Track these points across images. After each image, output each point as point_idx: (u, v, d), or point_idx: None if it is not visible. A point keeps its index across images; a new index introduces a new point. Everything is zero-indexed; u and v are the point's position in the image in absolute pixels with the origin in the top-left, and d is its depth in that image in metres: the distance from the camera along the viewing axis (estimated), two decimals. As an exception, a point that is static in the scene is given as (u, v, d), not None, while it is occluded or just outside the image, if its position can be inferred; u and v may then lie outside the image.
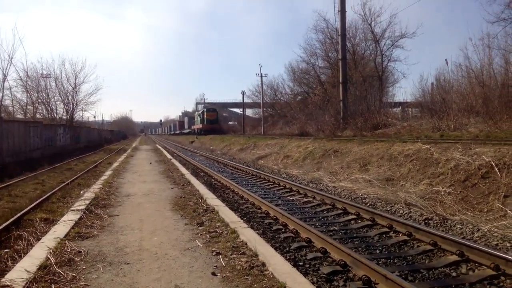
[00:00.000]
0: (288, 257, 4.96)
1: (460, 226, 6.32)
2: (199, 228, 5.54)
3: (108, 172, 12.93)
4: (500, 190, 7.32)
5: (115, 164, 16.41)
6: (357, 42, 38.46)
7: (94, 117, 74.61)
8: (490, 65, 19.85)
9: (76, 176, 13.57)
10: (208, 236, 5.08)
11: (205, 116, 58.81)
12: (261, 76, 52.27)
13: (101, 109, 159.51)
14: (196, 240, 4.91)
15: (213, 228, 5.45)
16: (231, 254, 4.33)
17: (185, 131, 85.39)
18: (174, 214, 6.57)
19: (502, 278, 4.35)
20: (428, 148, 10.70)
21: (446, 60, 33.16)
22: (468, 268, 4.72)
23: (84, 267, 4.04)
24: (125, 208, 7.17)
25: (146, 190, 9.19)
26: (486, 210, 7.20)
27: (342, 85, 28.28)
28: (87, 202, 7.29)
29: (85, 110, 46.23)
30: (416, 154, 10.74)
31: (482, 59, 20.50)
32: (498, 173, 7.70)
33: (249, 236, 4.93)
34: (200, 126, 59.99)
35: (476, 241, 5.64)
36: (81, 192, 9.68)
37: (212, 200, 7.59)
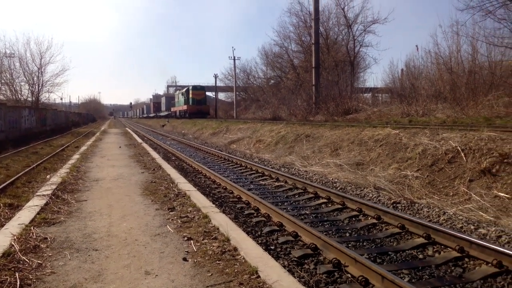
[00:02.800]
0: (260, 241, 4.97)
1: (427, 210, 6.51)
2: (170, 213, 5.47)
3: (76, 156, 12.57)
4: (465, 175, 7.57)
5: (83, 148, 15.97)
6: (330, 26, 38.66)
7: (61, 99, 72.38)
8: (458, 52, 20.35)
9: (42, 160, 13.12)
10: (179, 221, 5.02)
11: (190, 96, 48.07)
12: (234, 59, 51.85)
13: (69, 91, 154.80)
14: (167, 225, 4.84)
15: (185, 213, 5.39)
16: (202, 239, 4.29)
17: (162, 114, 72.32)
18: (144, 199, 6.46)
19: (466, 259, 4.51)
20: (397, 133, 10.91)
21: (416, 46, 33.89)
22: (434, 250, 4.87)
23: (50, 254, 3.92)
24: (93, 193, 6.99)
25: (115, 174, 8.99)
26: (452, 194, 7.44)
27: (315, 70, 28.41)
28: (54, 187, 7.06)
29: (51, 92, 44.60)
30: (385, 139, 10.94)
31: (450, 46, 20.99)
32: (464, 158, 7.95)
33: (221, 220, 4.90)
34: (184, 107, 49.76)
35: (442, 224, 5.81)
36: (48, 176, 9.37)
37: (184, 184, 7.50)
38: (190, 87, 49.20)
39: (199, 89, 49.26)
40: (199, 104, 47.35)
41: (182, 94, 51.84)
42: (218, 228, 4.59)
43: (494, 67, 18.41)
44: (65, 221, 5.09)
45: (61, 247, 4.13)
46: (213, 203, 6.41)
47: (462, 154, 8.10)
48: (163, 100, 77.13)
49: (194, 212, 5.38)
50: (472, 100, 16.09)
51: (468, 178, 7.53)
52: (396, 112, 19.26)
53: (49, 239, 4.33)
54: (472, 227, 5.56)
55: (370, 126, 13.38)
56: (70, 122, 51.81)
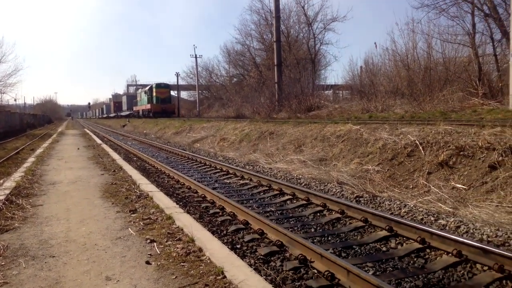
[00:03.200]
0: (225, 241, 4.90)
1: (389, 203, 6.65)
2: (132, 215, 5.29)
3: (31, 159, 11.99)
4: (424, 168, 7.81)
5: (39, 151, 15.27)
6: (291, 24, 39.02)
7: (15, 100, 69.09)
8: (414, 49, 21.06)
9: (-6, 164, 12.44)
10: (141, 223, 4.86)
11: (154, 94, 44.96)
12: (196, 57, 51.39)
13: (23, 92, 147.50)
14: (129, 228, 4.68)
15: (147, 214, 5.23)
16: (166, 241, 4.17)
17: (123, 114, 67.46)
18: (104, 201, 6.23)
19: (428, 250, 4.63)
20: (358, 129, 11.13)
21: (375, 43, 34.74)
22: (397, 242, 4.97)
23: (3, 263, 3.68)
24: (50, 197, 6.67)
25: (73, 177, 8.63)
26: (411, 186, 7.66)
27: (277, 68, 28.59)
28: (7, 192, 6.67)
29: (3, 93, 42.47)
30: (347, 135, 11.13)
31: (407, 43, 21.69)
32: (422, 151, 8.20)
33: (185, 221, 4.79)
34: (148, 106, 46.50)
35: (403, 217, 5.96)
36: (1, 181, 8.87)
37: (146, 185, 7.30)
38: (154, 85, 45.93)
39: (163, 87, 46.19)
40: (163, 102, 44.55)
41: (145, 93, 48.53)
42: (182, 229, 4.48)
43: (448, 63, 19.19)
44: (20, 227, 4.81)
45: (15, 255, 3.90)
46: (177, 204, 6.27)
47: (421, 148, 8.36)
48: (124, 99, 72.86)
49: (157, 214, 5.23)
50: (429, 96, 16.70)
51: (427, 170, 7.78)
52: (357, 108, 19.69)
53: (1, 247, 4.07)
54: (432, 218, 5.73)
55: (332, 122, 13.58)
56: (25, 124, 49.49)
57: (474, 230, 5.14)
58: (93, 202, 6.24)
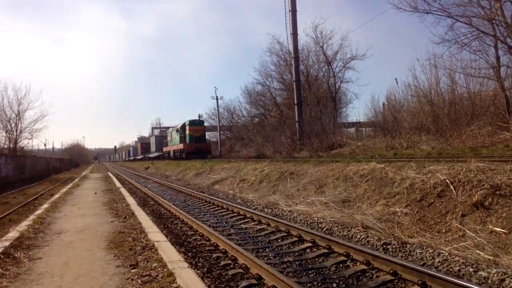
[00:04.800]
0: (233, 300, 4.32)
1: (420, 251, 5.95)
2: (132, 271, 4.80)
3: (45, 205, 11.77)
4: (457, 209, 7.08)
5: (56, 196, 15.14)
6: (311, 64, 39.11)
7: (45, 145, 71.16)
8: (437, 84, 20.52)
9: (10, 211, 12.29)
10: (139, 281, 4.35)
11: (187, 132, 40.08)
12: (217, 98, 51.95)
13: (51, 136, 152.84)
14: (124, 288, 4.18)
15: (148, 270, 4.73)
16: (162, 305, 3.65)
17: (151, 155, 63.19)
18: (107, 254, 5.77)
19: (469, 312, 3.93)
20: (382, 167, 10.49)
21: (396, 79, 34.34)
22: (431, 301, 4.29)
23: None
24: (52, 248, 6.28)
25: (82, 225, 8.26)
26: (444, 230, 6.92)
27: (297, 107, 28.41)
28: (7, 244, 6.31)
29: (30, 138, 43.76)
30: (371, 174, 10.49)
31: (429, 78, 21.18)
32: (454, 191, 7.49)
33: (187, 279, 4.26)
34: (180, 146, 41.72)
35: (437, 267, 5.26)
36: (8, 230, 8.58)
37: (154, 234, 6.83)
38: (187, 122, 41.04)
39: (198, 124, 41.40)
40: (198, 141, 39.65)
41: (177, 131, 43.90)
42: (182, 289, 3.95)
43: (474, 97, 18.47)
44: (7, 287, 4.38)
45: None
46: (185, 255, 5.79)
47: (452, 187, 7.65)
48: (152, 139, 69.14)
49: (159, 269, 4.72)
50: (456, 131, 15.94)
51: (460, 212, 7.04)
52: (381, 145, 19.01)
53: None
54: (471, 269, 5.01)
55: (354, 160, 12.97)
56: (51, 169, 50.52)
57: (522, 284, 4.41)
58: (95, 254, 5.79)
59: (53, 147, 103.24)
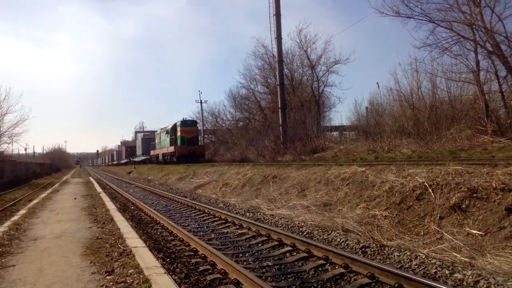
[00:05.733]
0: (210, 306, 4.27)
1: (398, 254, 5.99)
2: (107, 277, 4.70)
3: (22, 211, 11.49)
4: (435, 212, 7.17)
5: (35, 201, 14.80)
6: (295, 68, 39.30)
7: (25, 149, 69.68)
8: (418, 88, 20.78)
9: (-15, 218, 11.94)
10: (114, 288, 4.27)
11: (178, 134, 37.01)
12: (201, 102, 51.79)
13: (32, 141, 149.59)
14: (98, 295, 4.09)
15: (124, 276, 4.64)
16: (136, 312, 3.58)
17: (137, 159, 59.39)
18: (82, 260, 5.65)
19: (444, 314, 3.96)
20: (363, 171, 10.56)
21: (377, 83, 34.79)
22: (407, 304, 4.31)
23: None
24: (26, 255, 6.12)
25: (59, 231, 8.08)
26: (422, 233, 7.00)
27: (281, 110, 28.49)
28: (-21, 252, 6.14)
29: (9, 143, 42.76)
30: (352, 177, 10.56)
31: (411, 83, 21.44)
32: (432, 194, 7.58)
33: (163, 285, 4.19)
34: (171, 149, 38.37)
35: (414, 270, 5.30)
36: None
37: (133, 240, 6.72)
38: (178, 122, 37.90)
39: (190, 125, 37.97)
40: (190, 143, 36.29)
41: (167, 133, 40.25)
42: (157, 296, 3.89)
43: (454, 101, 18.79)
44: (-24, 297, 4.25)
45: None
46: (163, 261, 5.70)
47: (430, 190, 7.75)
48: (139, 142, 64.26)
49: (135, 275, 4.63)
50: (436, 134, 16.19)
51: (438, 215, 7.13)
52: (362, 149, 19.18)
53: None
54: (447, 271, 5.07)
55: (336, 164, 13.05)
56: (31, 173, 49.47)
57: (496, 286, 4.50)
58: (71, 261, 5.66)
59: (34, 152, 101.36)
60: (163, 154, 42.30)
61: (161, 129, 45.10)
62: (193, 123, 39.43)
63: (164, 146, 42.13)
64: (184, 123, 37.74)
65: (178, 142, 36.79)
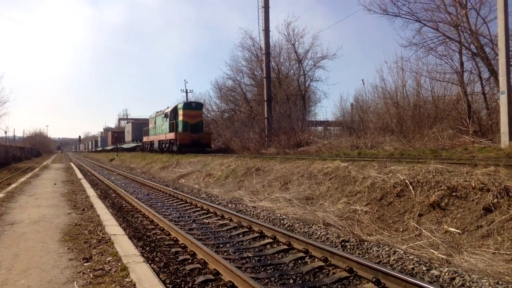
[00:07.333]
0: (189, 296, 4.26)
1: (377, 249, 6.06)
2: (85, 264, 4.65)
3: (0, 195, 11.26)
4: (414, 209, 7.28)
5: (14, 185, 14.52)
6: (282, 61, 39.21)
7: (5, 132, 68.14)
8: (403, 87, 21.01)
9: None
10: (91, 275, 4.21)
11: (180, 119, 30.26)
12: (186, 92, 51.07)
13: (13, 124, 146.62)
14: (74, 282, 4.03)
15: (101, 264, 4.59)
16: (113, 300, 3.54)
17: (125, 146, 53.90)
18: (60, 246, 5.57)
19: (419, 309, 4.03)
20: (346, 166, 10.65)
21: (362, 80, 35.05)
22: (384, 298, 4.37)
23: None
24: (2, 240, 6.00)
25: (37, 216, 7.95)
26: (402, 229, 7.09)
27: (267, 103, 28.44)
28: (-48, 235, 5.99)
29: (-11, 125, 41.73)
30: (334, 172, 10.63)
31: (396, 81, 21.66)
32: (413, 191, 7.69)
33: (141, 273, 4.15)
34: (171, 136, 31.31)
35: (392, 265, 5.37)
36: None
37: (112, 227, 6.65)
38: (180, 105, 31.26)
39: (195, 108, 31.15)
40: (195, 130, 29.67)
41: (166, 116, 33.47)
42: (135, 284, 3.85)
43: (437, 101, 19.06)
44: None
45: None
46: (142, 249, 5.65)
47: (411, 187, 7.86)
48: (128, 127, 56.78)
49: (113, 263, 4.59)
50: (418, 133, 16.39)
51: (418, 212, 7.24)
52: (346, 144, 19.30)
53: None
54: (424, 268, 5.15)
55: (320, 159, 13.11)
56: (11, 157, 48.43)
57: (470, 283, 4.58)
58: (48, 246, 5.57)
59: (14, 135, 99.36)
60: (160, 141, 35.15)
61: (157, 112, 37.97)
62: (198, 105, 32.39)
63: (160, 132, 35.22)
64: (188, 105, 31.00)
65: (180, 128, 29.99)
